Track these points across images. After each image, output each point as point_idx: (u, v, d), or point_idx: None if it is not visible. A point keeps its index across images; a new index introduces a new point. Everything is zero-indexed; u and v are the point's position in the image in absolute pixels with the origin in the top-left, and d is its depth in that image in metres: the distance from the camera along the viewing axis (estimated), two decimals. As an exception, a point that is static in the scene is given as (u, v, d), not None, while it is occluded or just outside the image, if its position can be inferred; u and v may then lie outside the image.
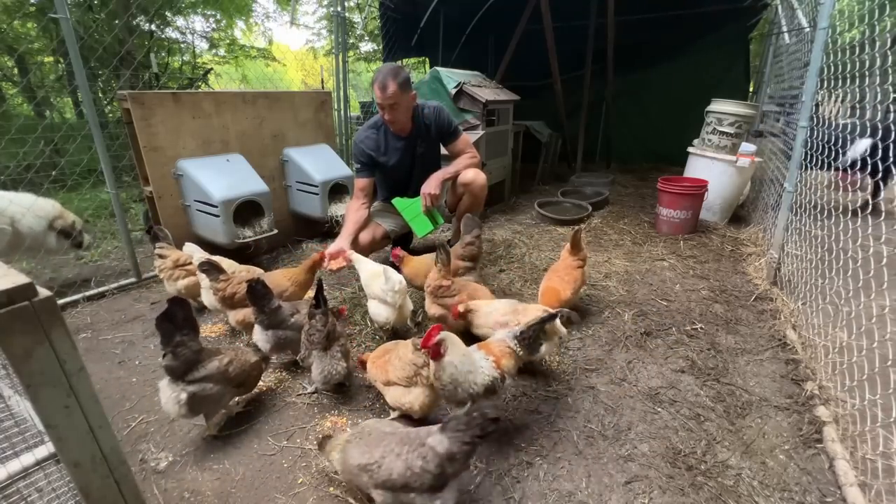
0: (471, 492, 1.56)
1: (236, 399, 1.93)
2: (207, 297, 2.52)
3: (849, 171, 3.49)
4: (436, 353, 1.58)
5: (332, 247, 2.69)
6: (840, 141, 2.49)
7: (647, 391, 2.06)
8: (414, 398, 1.73)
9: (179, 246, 2.76)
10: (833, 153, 2.46)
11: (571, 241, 2.58)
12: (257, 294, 2.05)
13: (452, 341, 1.62)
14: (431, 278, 2.36)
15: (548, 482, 1.60)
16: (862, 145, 3.66)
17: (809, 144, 2.74)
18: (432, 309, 2.37)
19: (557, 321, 1.85)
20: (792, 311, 2.62)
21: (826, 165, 2.52)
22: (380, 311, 2.31)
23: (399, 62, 7.02)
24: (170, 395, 1.66)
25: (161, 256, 2.66)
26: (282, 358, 2.28)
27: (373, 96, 2.95)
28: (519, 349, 1.73)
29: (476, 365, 1.63)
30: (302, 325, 2.04)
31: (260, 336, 2.09)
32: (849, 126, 2.52)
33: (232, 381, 1.79)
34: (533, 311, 2.04)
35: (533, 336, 1.75)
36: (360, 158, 2.96)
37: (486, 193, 3.14)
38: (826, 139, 2.57)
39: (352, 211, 2.92)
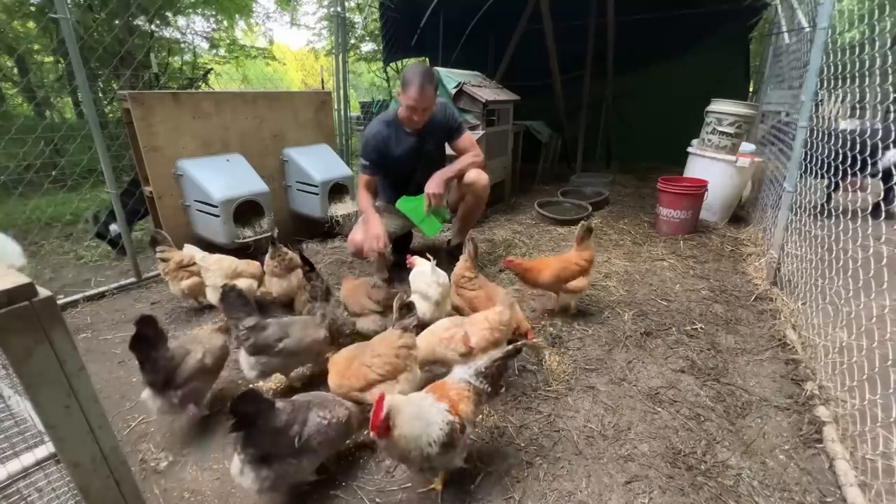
0: (471, 491, 1.56)
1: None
2: (213, 295, 2.53)
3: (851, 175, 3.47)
4: (385, 430, 1.30)
5: (370, 230, 2.73)
6: (866, 149, 2.38)
7: (647, 391, 2.06)
8: (404, 386, 1.71)
9: (180, 246, 2.76)
10: (863, 164, 2.34)
11: (577, 237, 2.57)
12: (231, 302, 1.81)
13: (398, 409, 1.34)
14: (458, 268, 2.42)
15: (548, 482, 1.60)
16: (891, 156, 3.64)
17: (821, 150, 2.68)
18: (455, 299, 2.39)
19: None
20: (792, 311, 2.62)
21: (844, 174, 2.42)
22: (419, 307, 2.24)
23: (399, 62, 7.02)
24: (161, 402, 1.70)
25: (163, 260, 2.66)
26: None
27: (389, 95, 2.92)
28: (483, 386, 1.51)
29: (428, 420, 1.37)
30: (292, 351, 1.92)
31: (244, 362, 1.90)
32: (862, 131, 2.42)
33: (212, 370, 1.85)
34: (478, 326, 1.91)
35: (497, 373, 1.55)
36: (370, 155, 2.93)
37: (488, 193, 3.13)
38: (848, 147, 2.44)
39: (364, 197, 2.98)
